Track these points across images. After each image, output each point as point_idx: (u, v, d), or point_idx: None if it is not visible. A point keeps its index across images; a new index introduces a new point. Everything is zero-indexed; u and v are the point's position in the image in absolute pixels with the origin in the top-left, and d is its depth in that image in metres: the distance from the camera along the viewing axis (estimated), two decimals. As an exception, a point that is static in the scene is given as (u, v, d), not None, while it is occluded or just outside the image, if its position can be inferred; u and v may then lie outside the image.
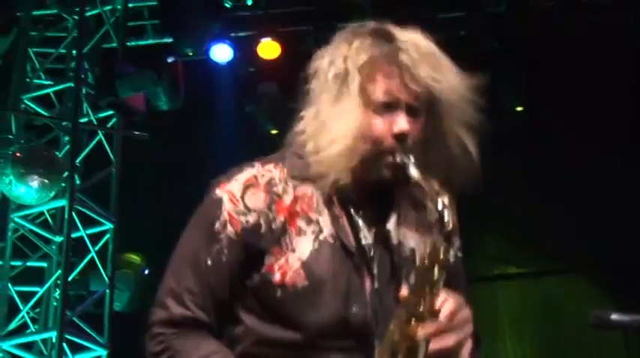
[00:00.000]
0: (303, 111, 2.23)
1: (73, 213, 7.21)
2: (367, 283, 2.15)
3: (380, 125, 2.15)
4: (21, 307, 7.29)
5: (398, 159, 2.13)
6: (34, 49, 7.68)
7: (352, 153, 2.14)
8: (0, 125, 7.26)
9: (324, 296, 2.11)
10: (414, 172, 2.12)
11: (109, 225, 7.44)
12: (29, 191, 7.12)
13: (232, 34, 7.49)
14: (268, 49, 7.39)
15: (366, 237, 2.20)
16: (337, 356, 2.09)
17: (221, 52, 7.42)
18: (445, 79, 2.16)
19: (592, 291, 7.79)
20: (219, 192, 2.19)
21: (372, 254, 2.18)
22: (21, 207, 7.36)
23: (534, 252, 8.09)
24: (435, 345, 2.01)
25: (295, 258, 2.13)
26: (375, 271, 2.17)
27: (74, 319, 7.16)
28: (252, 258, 2.16)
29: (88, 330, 7.22)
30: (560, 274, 8.05)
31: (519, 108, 7.40)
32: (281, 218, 2.15)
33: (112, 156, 7.63)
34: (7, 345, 7.15)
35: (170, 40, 7.52)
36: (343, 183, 2.17)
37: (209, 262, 2.17)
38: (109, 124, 7.73)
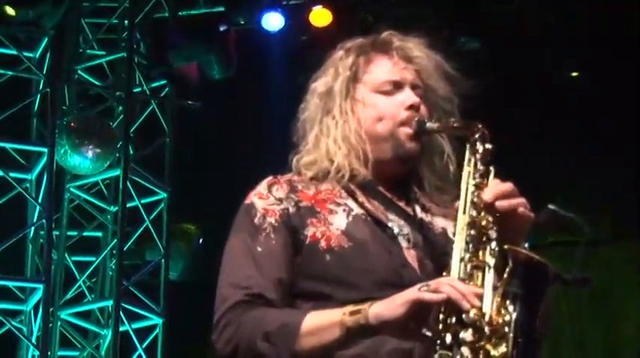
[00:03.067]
0: (306, 130, 2.44)
1: (128, 183, 7.34)
2: (406, 251, 2.26)
3: (391, 103, 2.33)
4: (77, 276, 7.45)
5: (415, 119, 2.31)
6: (87, 20, 7.75)
7: (353, 148, 2.33)
8: (54, 96, 7.38)
9: (371, 254, 2.21)
10: (432, 125, 2.32)
11: (163, 195, 7.57)
12: (84, 161, 7.25)
13: (284, 2, 7.55)
14: (320, 16, 7.44)
15: (395, 217, 2.33)
16: None
17: (273, 21, 7.48)
18: (432, 56, 2.41)
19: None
20: (248, 200, 2.34)
21: (405, 230, 2.31)
22: (76, 177, 7.50)
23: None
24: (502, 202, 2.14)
25: (334, 228, 2.25)
26: (412, 243, 2.28)
27: (130, 288, 7.32)
28: (296, 239, 2.26)
29: (143, 299, 7.38)
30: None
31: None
32: (307, 203, 2.30)
33: (165, 126, 7.76)
34: (65, 314, 7.34)
35: (222, 9, 7.58)
36: (362, 176, 2.34)
37: (259, 249, 2.25)
38: (162, 94, 7.85)
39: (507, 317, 2.02)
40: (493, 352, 2.00)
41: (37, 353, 7.11)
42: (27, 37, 7.54)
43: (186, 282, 7.70)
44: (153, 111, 7.78)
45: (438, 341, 2.02)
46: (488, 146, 2.24)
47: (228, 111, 7.61)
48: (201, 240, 7.78)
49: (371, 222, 2.30)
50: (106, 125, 7.51)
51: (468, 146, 2.28)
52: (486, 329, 2.02)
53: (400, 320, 2.03)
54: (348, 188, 2.35)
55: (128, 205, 7.38)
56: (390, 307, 2.03)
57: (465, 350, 2.00)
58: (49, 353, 7.08)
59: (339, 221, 2.28)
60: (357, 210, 2.31)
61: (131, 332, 7.32)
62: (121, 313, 7.16)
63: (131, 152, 7.45)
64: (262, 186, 2.36)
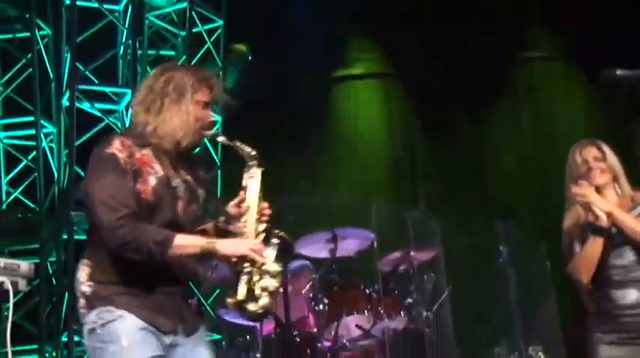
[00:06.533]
0: (145, 107, 3.16)
1: (193, 13, 8.23)
2: (180, 202, 3.17)
3: (204, 115, 3.23)
4: None
5: (212, 132, 3.28)
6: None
7: (187, 133, 3.17)
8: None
9: (164, 206, 3.10)
10: (223, 139, 3.32)
11: (220, 22, 8.46)
12: (159, -5, 8.00)
13: None
14: None
15: (178, 178, 3.19)
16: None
17: None
18: (222, 91, 3.33)
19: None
20: (109, 150, 3.05)
21: (181, 187, 3.19)
22: (153, 8, 8.32)
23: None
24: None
25: (149, 185, 3.07)
26: (183, 196, 3.18)
27: None
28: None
29: None
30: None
31: None
32: (138, 165, 3.09)
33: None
34: None
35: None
36: (168, 149, 3.17)
37: (130, 184, 3.04)
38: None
39: (277, 266, 3.11)
40: (263, 283, 3.06)
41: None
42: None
43: (239, 89, 8.22)
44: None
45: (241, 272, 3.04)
46: (261, 169, 3.23)
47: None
48: (250, 57, 8.48)
49: (166, 181, 3.11)
50: (175, -35, 8.12)
51: (248, 163, 3.24)
52: (264, 268, 3.07)
53: (230, 256, 3.08)
54: (159, 156, 3.13)
55: (194, 30, 8.25)
56: (231, 247, 3.07)
57: (253, 277, 3.07)
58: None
59: (152, 181, 3.07)
60: (160, 173, 3.10)
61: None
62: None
63: (197, -13, 8.18)
64: (117, 144, 3.06)
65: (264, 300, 3.05)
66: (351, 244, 6.04)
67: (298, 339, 5.60)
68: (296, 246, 5.96)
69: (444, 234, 6.46)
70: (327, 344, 5.57)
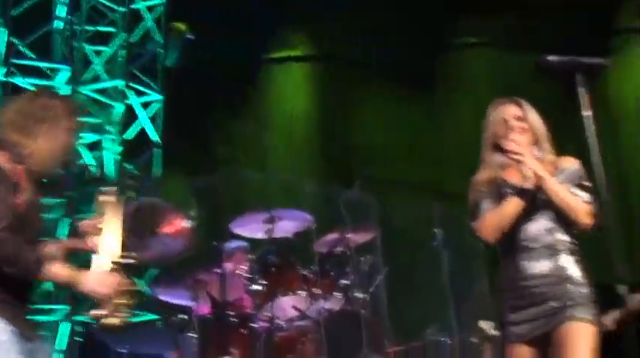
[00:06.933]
0: (17, 128, 3.36)
1: None
2: (41, 219, 3.45)
3: (71, 141, 3.51)
4: (94, 62, 8.33)
5: (72, 158, 3.68)
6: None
7: (57, 157, 3.44)
8: None
9: (32, 222, 3.33)
10: (94, 169, 3.84)
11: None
12: (97, -27, 7.96)
13: None
14: None
15: (41, 198, 3.45)
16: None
17: None
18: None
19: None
20: None
21: (44, 205, 3.47)
22: None
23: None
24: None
25: (22, 199, 3.27)
26: (40, 214, 3.43)
27: (135, 72, 8.28)
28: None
29: (146, 80, 8.37)
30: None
31: None
32: (16, 179, 3.30)
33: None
34: (86, 90, 8.22)
35: None
36: (38, 170, 3.40)
37: (11, 196, 3.24)
38: None
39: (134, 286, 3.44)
40: (123, 301, 3.34)
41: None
42: None
43: (179, 68, 8.45)
44: None
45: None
46: (125, 195, 3.54)
47: None
48: (189, 36, 8.45)
49: (35, 199, 3.35)
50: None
51: (105, 189, 3.52)
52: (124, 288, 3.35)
53: (91, 293, 3.31)
54: (29, 175, 3.35)
55: (133, 6, 8.26)
56: (93, 285, 3.29)
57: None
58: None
59: (26, 196, 3.28)
60: (30, 190, 3.32)
61: (138, 105, 8.34)
62: (129, 90, 8.19)
63: (134, -35, 8.15)
64: (1, 157, 3.29)
65: (123, 315, 3.36)
66: (288, 225, 6.02)
67: (234, 319, 5.58)
68: (232, 226, 5.95)
69: (381, 216, 6.46)
70: (263, 324, 5.56)
